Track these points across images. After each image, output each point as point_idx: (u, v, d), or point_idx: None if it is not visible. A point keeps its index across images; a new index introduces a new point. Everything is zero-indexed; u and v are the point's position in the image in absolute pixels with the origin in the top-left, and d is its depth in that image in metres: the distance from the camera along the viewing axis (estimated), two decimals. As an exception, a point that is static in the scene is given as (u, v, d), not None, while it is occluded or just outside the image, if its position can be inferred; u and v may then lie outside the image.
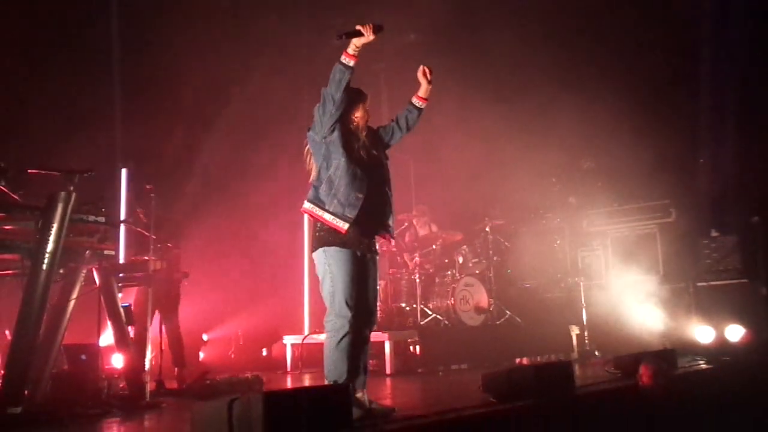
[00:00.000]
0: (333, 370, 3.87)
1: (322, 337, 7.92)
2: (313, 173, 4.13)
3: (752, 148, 8.33)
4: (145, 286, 6.15)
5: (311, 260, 4.16)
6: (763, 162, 8.12)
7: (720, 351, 6.82)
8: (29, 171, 5.06)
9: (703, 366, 6.24)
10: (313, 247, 4.02)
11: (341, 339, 3.86)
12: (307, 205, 4.06)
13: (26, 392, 4.41)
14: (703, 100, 8.74)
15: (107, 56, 8.30)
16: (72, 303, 5.08)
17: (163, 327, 6.82)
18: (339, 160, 3.99)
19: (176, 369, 6.82)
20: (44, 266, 4.51)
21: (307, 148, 4.19)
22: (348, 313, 3.86)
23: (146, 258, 6.09)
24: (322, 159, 4.04)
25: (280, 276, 9.77)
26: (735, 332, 6.98)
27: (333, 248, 3.92)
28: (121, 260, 6.79)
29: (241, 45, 9.24)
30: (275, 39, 9.50)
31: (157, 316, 6.75)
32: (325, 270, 3.95)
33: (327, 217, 3.95)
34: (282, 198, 9.53)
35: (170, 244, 6.81)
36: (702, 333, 7.12)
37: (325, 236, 3.96)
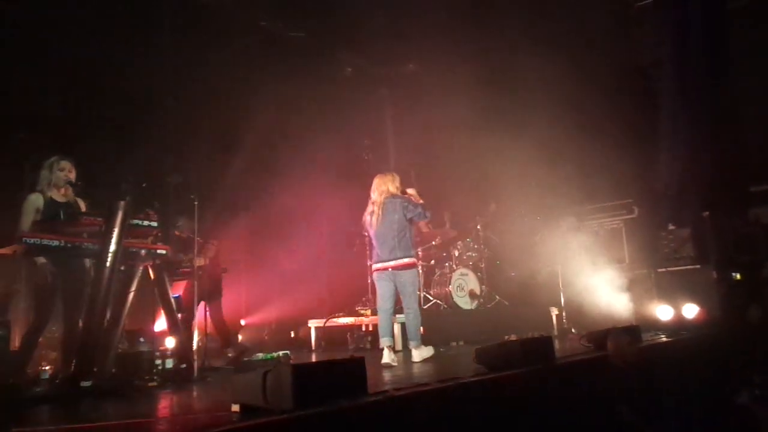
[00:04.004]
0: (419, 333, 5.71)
1: (340, 321, 8.05)
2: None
3: (702, 154, 8.30)
4: (191, 280, 6.19)
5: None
6: (711, 166, 8.10)
7: (678, 326, 6.80)
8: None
9: (664, 339, 6.23)
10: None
11: None
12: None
13: (95, 369, 4.46)
14: (661, 116, 8.72)
15: (159, 79, 8.22)
16: (131, 294, 5.11)
17: (209, 314, 6.85)
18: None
19: (224, 349, 6.84)
20: (107, 264, 4.57)
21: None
22: None
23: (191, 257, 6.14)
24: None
25: (305, 272, 9.80)
26: (690, 310, 6.95)
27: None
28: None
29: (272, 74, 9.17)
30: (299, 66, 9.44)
31: (203, 304, 6.78)
32: (416, 279, 5.84)
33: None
34: (308, 208, 9.58)
35: (207, 244, 6.83)
36: (662, 311, 7.09)
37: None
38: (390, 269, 5.72)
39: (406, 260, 5.69)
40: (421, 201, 5.88)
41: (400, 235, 5.70)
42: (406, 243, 5.72)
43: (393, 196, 5.83)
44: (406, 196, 5.88)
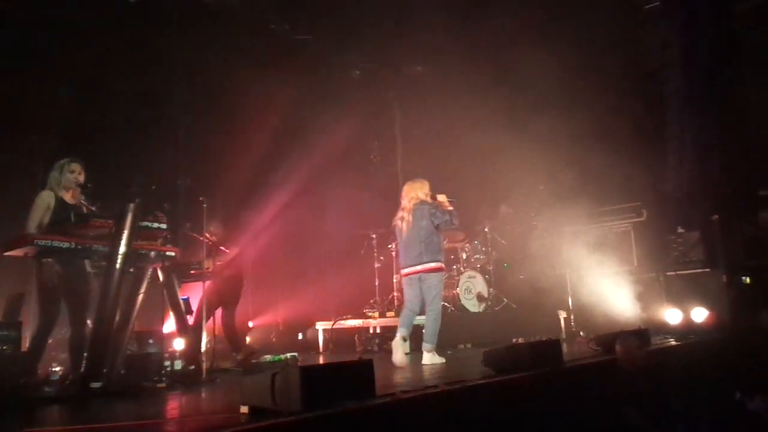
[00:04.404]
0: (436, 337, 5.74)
1: (348, 323, 8.05)
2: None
3: (711, 157, 8.26)
4: (208, 284, 6.19)
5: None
6: (720, 168, 8.06)
7: (687, 330, 6.76)
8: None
9: (673, 343, 6.20)
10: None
11: None
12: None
13: (105, 370, 4.49)
14: (668, 117, 8.69)
15: (169, 84, 8.25)
16: (140, 296, 5.13)
17: (221, 319, 6.84)
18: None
19: (233, 353, 6.84)
20: (117, 265, 4.59)
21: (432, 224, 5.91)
22: None
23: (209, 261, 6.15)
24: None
25: (313, 273, 9.82)
26: (699, 314, 6.92)
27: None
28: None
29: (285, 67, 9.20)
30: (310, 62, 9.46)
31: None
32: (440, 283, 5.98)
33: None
34: (317, 208, 9.60)
35: (228, 250, 6.84)
36: (671, 315, 7.05)
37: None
38: (416, 274, 5.89)
39: (432, 264, 5.84)
40: (450, 208, 5.99)
41: (427, 240, 5.85)
42: (433, 248, 5.87)
43: (422, 202, 5.99)
44: (435, 202, 6.01)
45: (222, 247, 6.73)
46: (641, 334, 5.60)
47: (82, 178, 5.08)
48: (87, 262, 4.97)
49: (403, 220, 6.02)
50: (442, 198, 6.06)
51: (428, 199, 6.01)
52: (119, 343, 4.87)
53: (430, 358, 5.71)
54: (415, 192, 6.03)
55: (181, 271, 6.01)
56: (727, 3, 8.56)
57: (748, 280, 7.37)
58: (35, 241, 4.53)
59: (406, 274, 6.01)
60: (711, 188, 8.01)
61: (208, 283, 6.10)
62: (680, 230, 7.81)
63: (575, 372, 4.64)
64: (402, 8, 8.52)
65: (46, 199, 4.89)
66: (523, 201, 9.30)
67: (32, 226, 4.76)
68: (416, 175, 6.41)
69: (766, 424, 5.33)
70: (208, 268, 6.18)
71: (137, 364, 5.01)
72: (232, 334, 6.85)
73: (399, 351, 5.64)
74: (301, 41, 9.34)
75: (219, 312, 6.84)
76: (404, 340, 5.78)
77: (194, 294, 6.38)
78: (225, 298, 6.78)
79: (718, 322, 6.82)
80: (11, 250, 4.63)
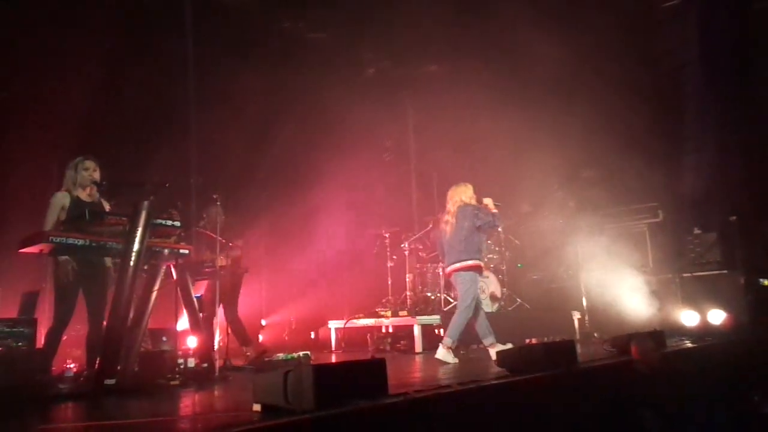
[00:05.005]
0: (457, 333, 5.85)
1: (360, 322, 8.06)
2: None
3: (730, 157, 8.17)
4: (213, 280, 6.22)
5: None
6: (739, 169, 7.97)
7: (703, 332, 6.70)
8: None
9: (689, 345, 6.13)
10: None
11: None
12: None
13: (119, 367, 4.51)
14: (687, 117, 8.61)
15: (182, 83, 8.29)
16: (154, 294, 5.15)
17: (224, 314, 6.85)
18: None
19: (244, 348, 6.85)
20: (131, 263, 4.61)
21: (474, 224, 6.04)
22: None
23: (214, 256, 6.17)
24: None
25: (326, 271, 9.83)
26: (716, 316, 6.85)
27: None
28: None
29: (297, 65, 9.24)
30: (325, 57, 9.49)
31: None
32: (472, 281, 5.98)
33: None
34: (330, 206, 9.60)
35: (232, 244, 6.86)
36: (688, 317, 7.00)
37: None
38: (452, 273, 6.08)
39: (468, 262, 5.97)
40: (495, 211, 6.12)
41: (467, 240, 6.01)
42: (472, 246, 6.01)
43: (465, 205, 6.15)
44: (480, 205, 6.16)
45: (231, 244, 6.75)
46: (656, 336, 5.55)
47: (97, 176, 5.13)
48: (107, 259, 5.02)
49: (447, 224, 6.19)
50: (487, 201, 6.21)
51: (472, 202, 6.16)
52: (133, 341, 4.88)
53: (443, 354, 5.76)
54: (459, 196, 6.21)
55: (195, 269, 6.04)
56: (745, 1, 8.46)
57: (766, 282, 7.28)
58: (50, 237, 4.57)
59: (448, 274, 6.20)
60: (729, 189, 7.91)
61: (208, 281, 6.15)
62: (697, 231, 7.73)
63: (590, 373, 4.60)
64: (416, 6, 8.49)
65: (60, 200, 4.95)
66: (539, 200, 9.26)
67: (47, 228, 4.81)
68: (460, 179, 6.48)
69: None
70: (222, 266, 6.20)
71: (151, 361, 5.02)
72: (239, 328, 6.84)
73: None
74: (315, 39, 9.35)
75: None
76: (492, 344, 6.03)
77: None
78: (225, 294, 6.78)
79: (736, 325, 6.75)
80: (27, 247, 4.67)
